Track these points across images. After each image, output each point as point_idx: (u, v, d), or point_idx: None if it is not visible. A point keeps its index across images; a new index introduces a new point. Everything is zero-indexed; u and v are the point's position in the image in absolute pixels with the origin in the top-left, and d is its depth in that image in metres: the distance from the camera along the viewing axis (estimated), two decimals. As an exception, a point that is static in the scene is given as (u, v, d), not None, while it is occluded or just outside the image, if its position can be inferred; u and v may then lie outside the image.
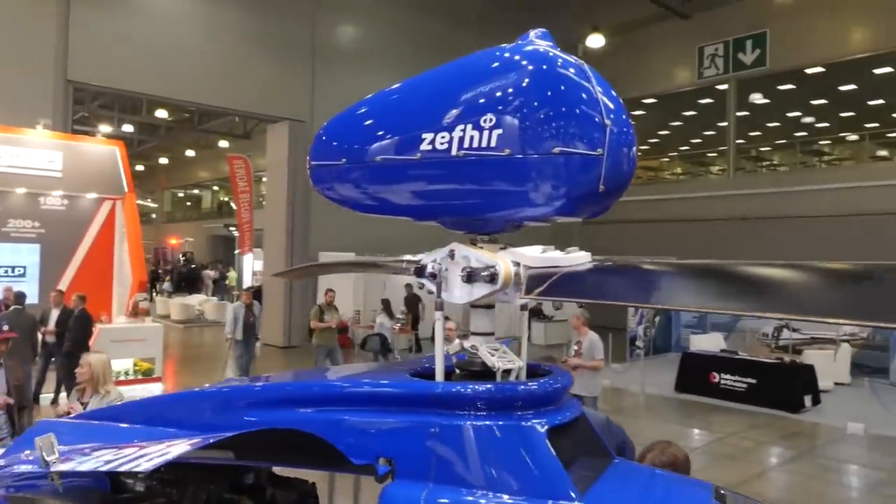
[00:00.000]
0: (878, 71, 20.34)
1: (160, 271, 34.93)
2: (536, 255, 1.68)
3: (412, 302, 17.68)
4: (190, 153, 39.82)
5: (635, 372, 14.22)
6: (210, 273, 31.80)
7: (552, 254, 1.67)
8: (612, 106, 1.73)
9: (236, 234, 29.93)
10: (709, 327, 18.22)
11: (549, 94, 1.69)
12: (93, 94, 23.48)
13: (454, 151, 1.75)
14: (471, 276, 1.80)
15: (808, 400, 12.07)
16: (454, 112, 1.76)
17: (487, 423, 1.72)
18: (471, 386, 1.77)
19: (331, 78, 19.26)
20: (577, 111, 1.68)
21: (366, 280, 18.36)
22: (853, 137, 23.29)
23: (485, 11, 22.85)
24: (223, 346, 18.84)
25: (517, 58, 1.76)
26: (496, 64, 1.78)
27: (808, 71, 21.14)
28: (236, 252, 30.04)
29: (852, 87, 22.02)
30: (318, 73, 19.16)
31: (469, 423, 1.72)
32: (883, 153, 22.16)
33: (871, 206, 17.79)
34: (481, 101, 1.74)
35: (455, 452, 1.70)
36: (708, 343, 16.24)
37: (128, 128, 30.71)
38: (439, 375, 1.93)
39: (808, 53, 20.28)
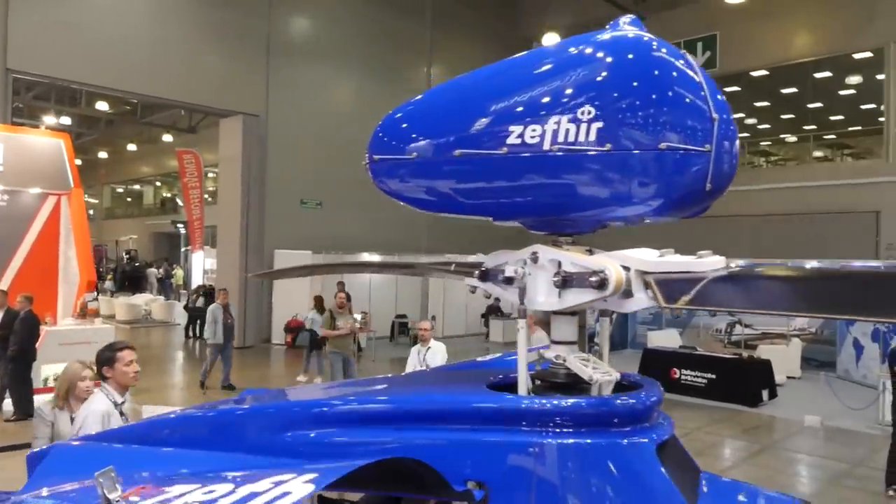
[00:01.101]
0: (818, 75, 21.14)
1: (101, 270, 33.51)
2: (653, 260, 1.54)
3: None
4: (131, 147, 38.35)
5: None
6: (155, 272, 30.67)
7: (674, 258, 1.53)
8: (718, 98, 1.62)
9: (184, 231, 29.02)
10: (664, 324, 18.55)
11: (655, 84, 1.57)
12: (27, 84, 22.30)
13: (546, 146, 1.61)
14: (567, 282, 1.65)
15: (765, 394, 12.40)
16: (546, 103, 1.62)
17: (595, 441, 1.59)
18: (574, 401, 1.64)
19: (286, 72, 18.80)
20: (686, 104, 1.56)
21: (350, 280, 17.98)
22: (792, 139, 24.19)
23: (440, 6, 22.71)
24: (177, 347, 18.18)
25: (615, 46, 1.63)
26: (591, 52, 1.65)
27: (754, 74, 21.80)
28: (184, 249, 29.13)
29: (794, 90, 22.82)
30: (273, 67, 18.66)
31: (574, 441, 1.58)
32: (818, 154, 23.05)
33: (814, 206, 18.44)
34: (577, 91, 1.60)
35: (560, 475, 1.56)
36: (664, 339, 16.53)
37: (65, 120, 29.30)
38: (523, 388, 1.78)
39: (755, 57, 20.90)
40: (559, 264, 1.74)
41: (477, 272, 2.02)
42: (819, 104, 23.20)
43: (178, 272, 29.88)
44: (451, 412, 1.73)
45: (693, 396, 12.58)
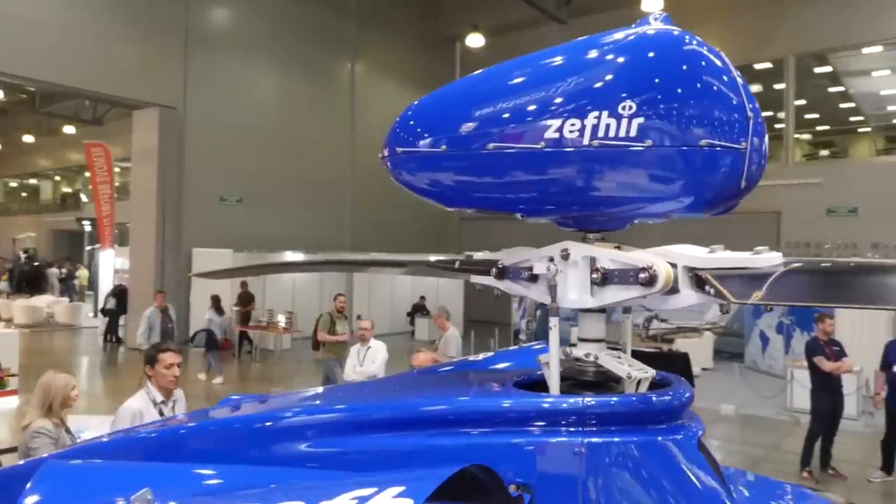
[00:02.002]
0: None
1: (-6, 270, 31.13)
2: (704, 256, 1.55)
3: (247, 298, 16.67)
4: (28, 139, 35.86)
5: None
6: (56, 272, 28.78)
7: (730, 254, 1.55)
8: (751, 95, 1.66)
9: (89, 228, 27.38)
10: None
11: (696, 81, 1.59)
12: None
13: (586, 141, 1.60)
14: (607, 278, 1.65)
15: (684, 385, 12.98)
16: (586, 97, 1.61)
17: (641, 438, 1.60)
18: (617, 399, 1.64)
19: (205, 63, 18.08)
20: (725, 101, 1.59)
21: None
22: None
23: (365, 2, 22.49)
24: (92, 352, 17.06)
25: (656, 41, 1.64)
26: (630, 46, 1.65)
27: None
28: (90, 248, 27.48)
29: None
30: (192, 58, 17.90)
31: (620, 439, 1.59)
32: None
33: (747, 205, 19.40)
34: (618, 86, 1.60)
35: (608, 475, 1.56)
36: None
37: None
38: (554, 388, 1.77)
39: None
40: (592, 261, 1.74)
41: (494, 270, 2.00)
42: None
43: (83, 272, 28.16)
44: (495, 414, 1.70)
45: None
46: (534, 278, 1.85)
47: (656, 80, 1.59)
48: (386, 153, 1.86)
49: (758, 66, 21.02)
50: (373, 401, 1.99)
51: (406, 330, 21.02)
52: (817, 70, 21.26)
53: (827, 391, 8.06)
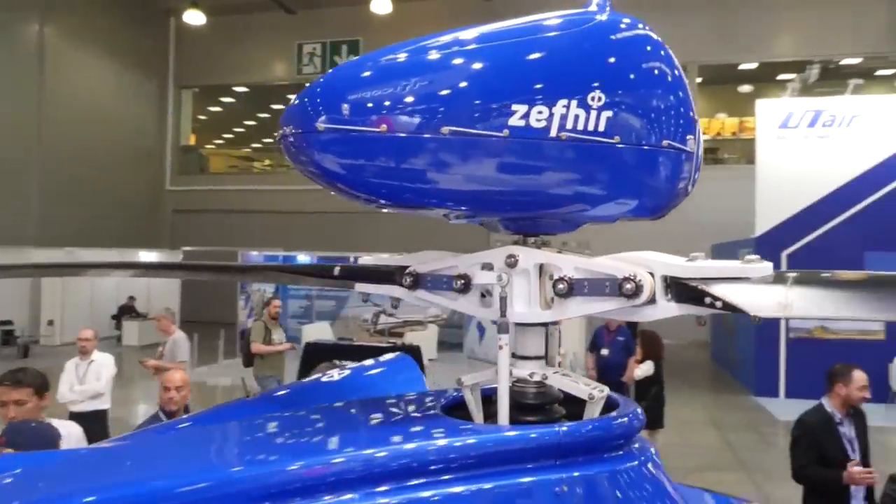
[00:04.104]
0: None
1: None
2: (682, 264, 1.43)
3: None
4: None
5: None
6: None
7: (710, 262, 1.44)
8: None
9: None
10: (314, 316, 18.87)
11: (666, 78, 1.50)
12: None
13: (553, 132, 1.41)
14: (574, 289, 1.47)
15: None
16: (555, 82, 1.42)
17: (621, 466, 1.45)
18: (596, 424, 1.47)
19: None
20: (684, 101, 1.53)
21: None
22: None
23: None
24: None
25: (622, 29, 1.50)
26: (596, 32, 1.49)
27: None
28: None
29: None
30: None
31: (603, 471, 1.42)
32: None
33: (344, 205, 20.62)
34: (589, 73, 1.44)
35: None
36: (318, 332, 16.79)
37: None
38: (504, 418, 1.54)
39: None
40: (541, 268, 1.55)
41: (407, 278, 1.70)
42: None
43: None
44: (462, 455, 1.40)
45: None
46: (466, 288, 1.60)
47: (629, 73, 1.47)
48: (295, 130, 1.44)
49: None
50: (263, 459, 1.49)
51: (111, 335, 18.45)
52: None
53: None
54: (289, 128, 1.46)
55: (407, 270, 1.72)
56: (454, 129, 1.40)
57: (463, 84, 1.40)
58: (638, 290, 1.39)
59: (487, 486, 1.38)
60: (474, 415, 1.71)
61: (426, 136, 1.39)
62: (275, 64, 23.59)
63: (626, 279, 1.40)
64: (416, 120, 1.39)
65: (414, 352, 13.98)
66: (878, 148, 12.49)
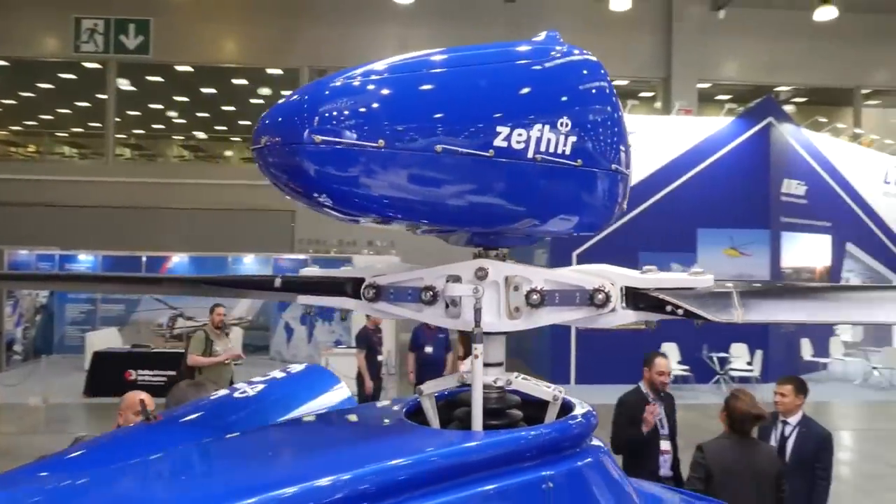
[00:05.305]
0: (236, 81, 22.93)
1: None
2: (640, 276, 1.59)
3: None
4: None
5: (32, 382, 12.38)
6: None
7: (663, 274, 1.60)
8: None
9: None
10: (98, 322, 17.07)
11: (615, 106, 1.68)
12: None
13: (530, 154, 1.53)
14: (545, 300, 1.58)
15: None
16: (533, 108, 1.54)
17: (590, 461, 1.58)
18: (570, 424, 1.58)
19: None
20: (622, 129, 1.72)
21: None
22: (204, 136, 25.70)
23: None
24: None
25: (576, 57, 1.66)
26: (564, 63, 1.63)
27: (179, 68, 22.10)
28: None
29: (213, 91, 24.14)
30: None
31: (578, 465, 1.54)
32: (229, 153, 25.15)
33: (235, 203, 19.78)
34: (558, 101, 1.57)
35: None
36: (104, 340, 15.21)
37: None
38: (477, 424, 1.61)
39: (183, 52, 21.23)
40: (507, 280, 1.65)
41: (369, 292, 1.70)
42: (233, 108, 25.20)
43: None
44: (460, 462, 1.42)
45: (157, 396, 12.05)
46: (434, 299, 1.65)
47: (589, 100, 1.63)
48: (274, 140, 1.40)
49: (270, 71, 22.23)
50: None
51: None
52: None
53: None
54: (266, 138, 1.42)
55: (367, 283, 1.72)
56: (447, 146, 1.45)
57: (452, 104, 1.47)
58: (608, 299, 1.56)
59: (478, 490, 1.45)
60: (431, 421, 1.77)
61: (421, 152, 1.43)
62: (44, 38, 20.90)
63: (598, 290, 1.56)
64: (412, 136, 1.42)
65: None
66: (647, 163, 14.35)
